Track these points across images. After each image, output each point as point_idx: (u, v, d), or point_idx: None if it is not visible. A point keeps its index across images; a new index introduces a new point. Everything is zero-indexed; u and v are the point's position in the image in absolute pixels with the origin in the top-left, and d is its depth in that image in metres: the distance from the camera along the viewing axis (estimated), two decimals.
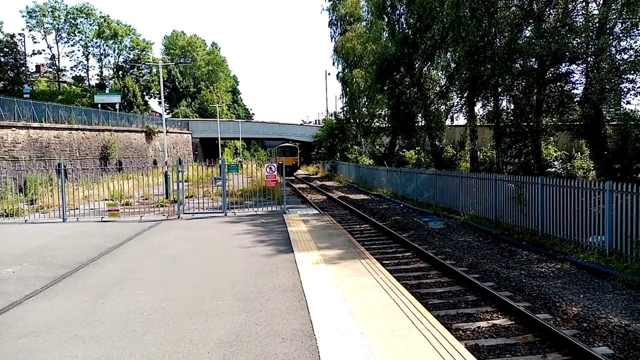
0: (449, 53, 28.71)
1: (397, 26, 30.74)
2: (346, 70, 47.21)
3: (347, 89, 46.59)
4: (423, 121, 30.62)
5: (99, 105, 51.00)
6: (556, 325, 7.65)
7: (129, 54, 76.55)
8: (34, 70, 73.26)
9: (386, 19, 31.54)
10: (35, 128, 31.45)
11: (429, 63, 29.59)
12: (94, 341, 5.63)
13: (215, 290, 7.55)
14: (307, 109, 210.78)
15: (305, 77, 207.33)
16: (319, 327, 5.82)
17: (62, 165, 16.85)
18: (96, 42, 74.62)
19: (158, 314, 6.55)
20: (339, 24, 49.77)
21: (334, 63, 50.93)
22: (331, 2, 49.85)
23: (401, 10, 30.49)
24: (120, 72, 74.87)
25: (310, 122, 79.24)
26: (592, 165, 20.41)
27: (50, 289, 7.93)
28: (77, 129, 37.33)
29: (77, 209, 17.72)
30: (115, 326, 6.12)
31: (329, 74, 74.33)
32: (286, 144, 64.99)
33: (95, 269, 9.33)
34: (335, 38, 49.79)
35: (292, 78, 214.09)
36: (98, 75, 77.94)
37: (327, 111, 67.08)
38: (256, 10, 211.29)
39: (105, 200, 18.87)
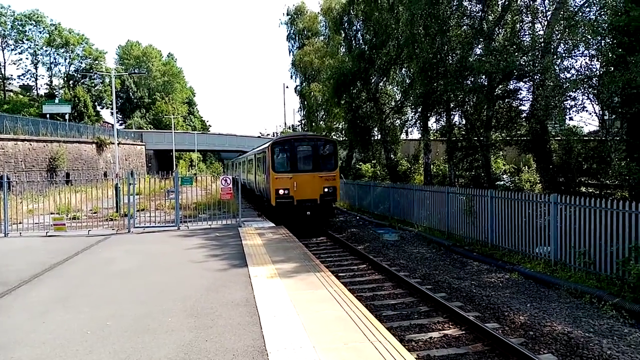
0: (404, 69, 29.39)
1: (354, 42, 31.30)
2: (304, 84, 47.52)
3: (305, 102, 46.86)
4: (379, 135, 31.12)
5: (48, 116, 49.11)
6: (504, 334, 7.84)
7: (81, 63, 74.37)
8: None
9: (343, 34, 32.08)
10: None
11: (385, 78, 30.20)
12: None
13: (165, 307, 7.32)
14: (265, 121, 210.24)
15: (263, 90, 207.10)
16: (271, 342, 5.73)
17: (4, 178, 16.03)
18: (46, 51, 72.13)
19: (103, 332, 6.28)
20: (297, 37, 50.15)
21: (292, 76, 51.21)
22: (289, 16, 50.23)
23: (358, 26, 31.10)
24: (71, 82, 72.62)
25: (268, 134, 79.10)
26: (538, 178, 21.24)
27: None
28: (23, 140, 35.77)
29: (20, 223, 16.85)
30: (56, 346, 5.81)
31: (287, 87, 75.03)
32: (304, 134, 26.05)
33: (37, 286, 8.87)
34: (293, 52, 50.09)
35: (250, 90, 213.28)
36: (47, 84, 75.30)
37: (285, 124, 67.13)
38: (214, 22, 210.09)
39: (52, 214, 18.07)
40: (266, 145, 20.50)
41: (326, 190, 18.52)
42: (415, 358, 6.22)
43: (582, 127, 17.03)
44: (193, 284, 8.67)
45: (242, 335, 6.02)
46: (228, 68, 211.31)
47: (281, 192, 17.24)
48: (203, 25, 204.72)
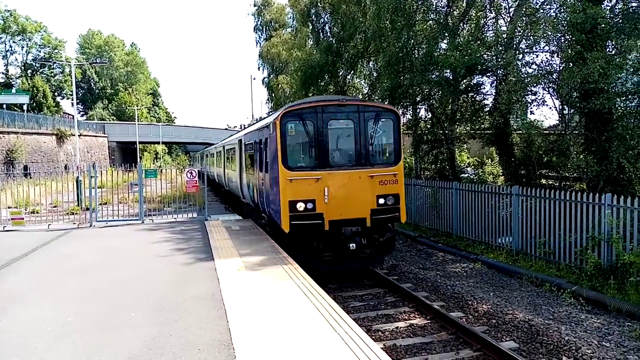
0: (371, 62, 29.49)
1: (321, 34, 31.22)
2: (272, 76, 47.12)
3: (273, 95, 46.48)
4: None
5: (4, 106, 47.18)
6: (468, 323, 8.03)
7: (39, 52, 71.74)
8: None
9: (311, 27, 31.94)
10: None
11: (353, 71, 30.27)
12: None
13: (129, 302, 7.16)
14: (232, 113, 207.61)
15: (230, 82, 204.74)
16: (238, 336, 5.69)
17: None
18: (0, 38, 69.10)
19: (64, 329, 6.10)
20: (264, 29, 49.67)
21: (259, 68, 50.70)
22: (256, 8, 49.68)
23: (325, 19, 31.04)
24: (29, 71, 70.00)
25: (235, 126, 78.11)
26: (500, 171, 21.76)
27: None
28: None
29: None
30: (13, 345, 5.61)
31: (254, 78, 74.06)
32: (340, 98, 11.86)
33: None
34: (260, 43, 49.58)
35: (217, 82, 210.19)
36: (3, 73, 72.35)
37: (253, 116, 66.32)
38: (179, 11, 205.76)
39: (9, 208, 17.41)
40: (270, 119, 11.57)
41: (382, 201, 10.47)
42: (382, 348, 6.30)
43: (543, 121, 17.51)
44: (158, 279, 8.51)
45: (208, 329, 5.96)
46: (194, 59, 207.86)
47: (300, 206, 10.04)
48: (168, 15, 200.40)
